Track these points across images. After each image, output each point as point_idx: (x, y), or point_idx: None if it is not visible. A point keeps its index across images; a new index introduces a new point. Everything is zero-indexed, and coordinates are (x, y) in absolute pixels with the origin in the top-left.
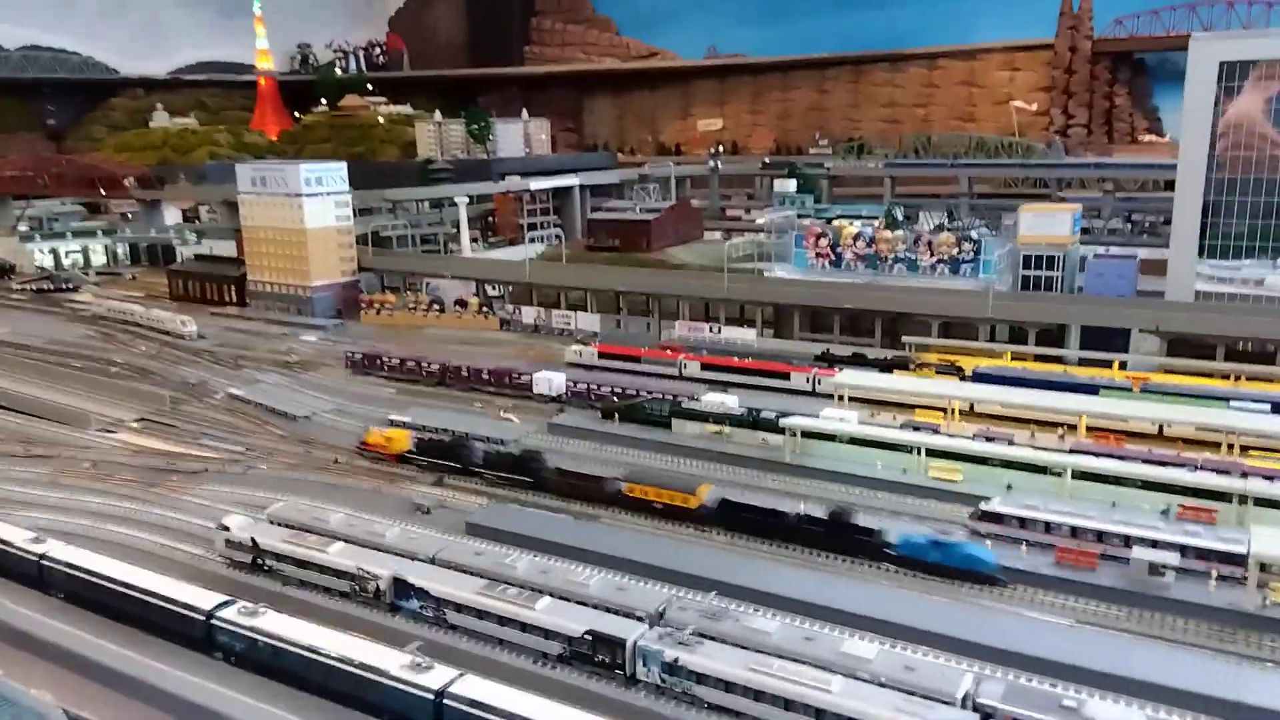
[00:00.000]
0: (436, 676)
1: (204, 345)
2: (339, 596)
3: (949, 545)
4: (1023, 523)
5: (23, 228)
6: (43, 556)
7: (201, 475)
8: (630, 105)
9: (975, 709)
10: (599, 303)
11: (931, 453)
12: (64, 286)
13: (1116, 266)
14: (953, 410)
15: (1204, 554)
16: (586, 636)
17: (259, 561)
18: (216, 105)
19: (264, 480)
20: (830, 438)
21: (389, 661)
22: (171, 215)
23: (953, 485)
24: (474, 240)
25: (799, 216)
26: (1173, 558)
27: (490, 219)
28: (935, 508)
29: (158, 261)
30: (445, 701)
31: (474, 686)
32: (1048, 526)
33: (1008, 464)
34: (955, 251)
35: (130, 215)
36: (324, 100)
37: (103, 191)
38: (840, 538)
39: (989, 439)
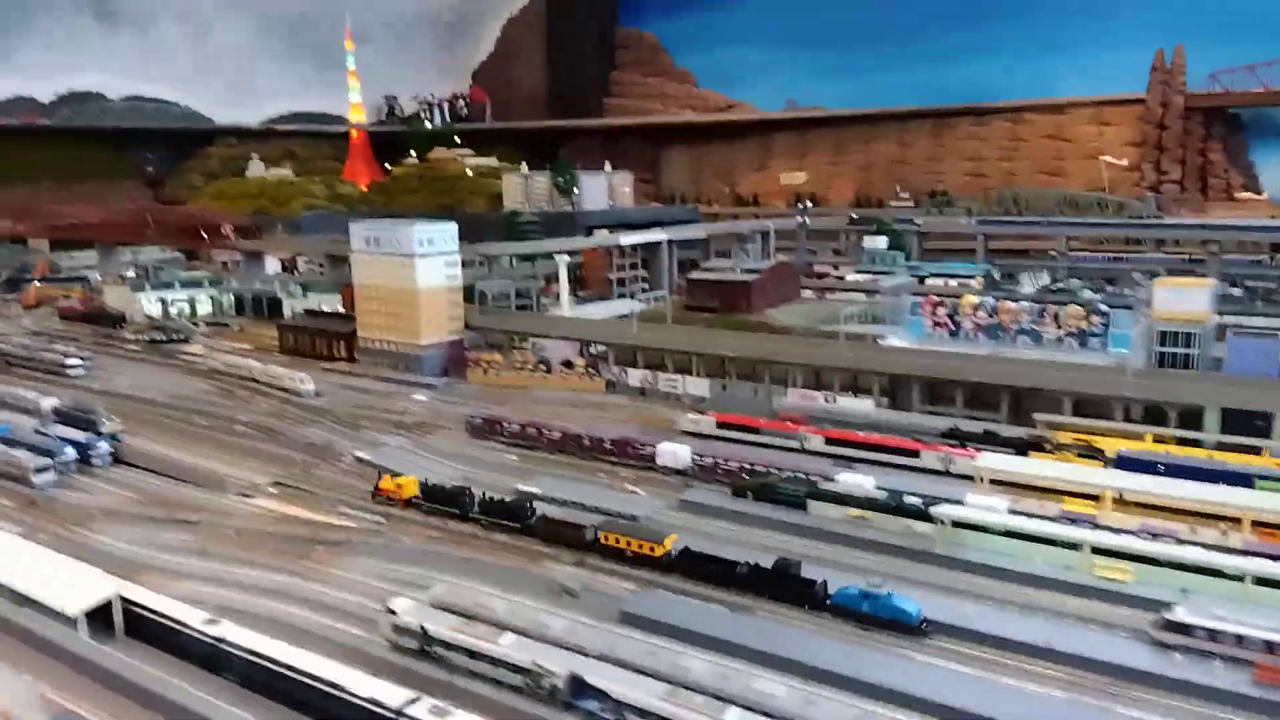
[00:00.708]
0: None
1: (321, 404)
2: (509, 690)
3: (877, 597)
4: (1213, 635)
5: (130, 275)
6: (220, 640)
7: (345, 546)
8: (707, 157)
9: None
10: (706, 366)
11: (1098, 550)
12: (175, 337)
13: (1259, 345)
14: (1105, 500)
15: None
16: None
17: (426, 649)
18: (306, 155)
19: (408, 554)
20: (983, 529)
21: None
22: (271, 266)
23: (1121, 586)
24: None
25: (890, 274)
26: None
27: (578, 272)
28: (1103, 610)
29: (262, 313)
30: None
31: None
32: (1240, 640)
33: (1182, 566)
34: (1084, 324)
35: (231, 265)
36: (413, 151)
37: (205, 239)
38: (784, 588)
39: (1154, 535)
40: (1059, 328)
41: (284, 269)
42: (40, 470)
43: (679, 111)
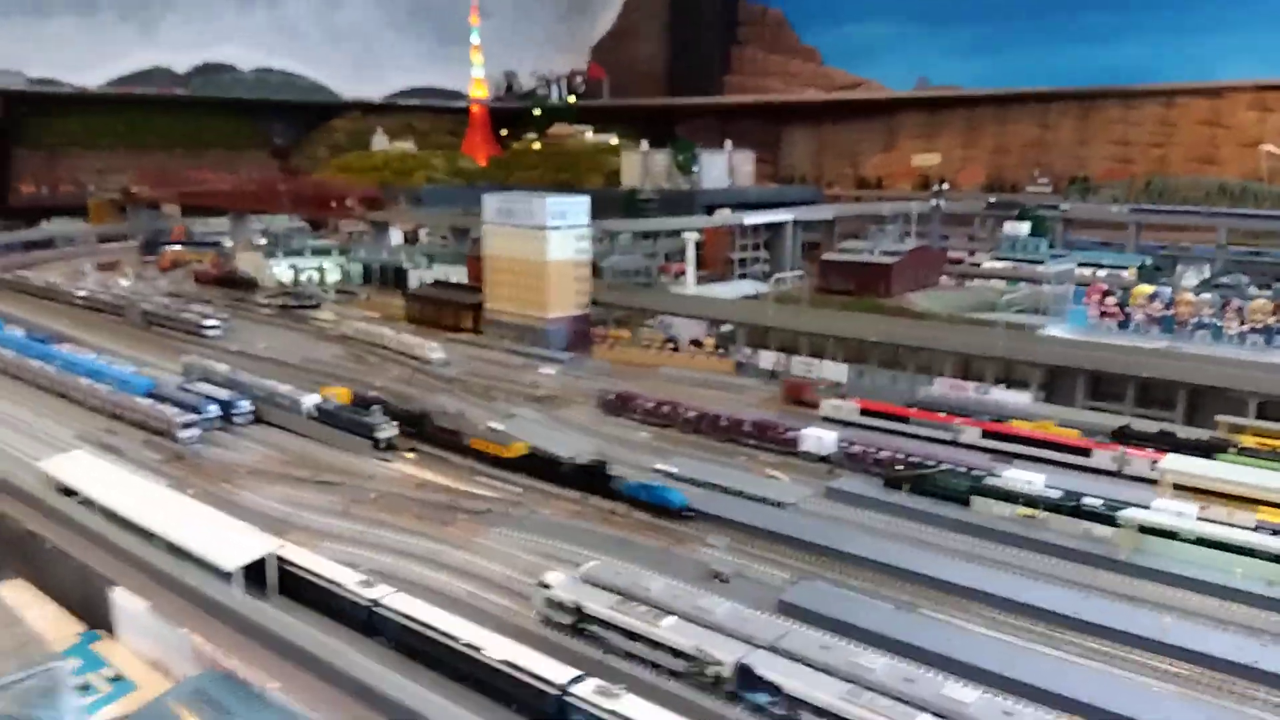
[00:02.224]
0: None
1: (451, 373)
2: (668, 674)
3: (651, 488)
4: None
5: (262, 242)
6: (375, 603)
7: (487, 516)
8: (829, 137)
9: None
10: (843, 351)
11: None
12: (305, 303)
13: None
14: None
15: None
16: None
17: (580, 626)
18: (425, 129)
19: (550, 527)
20: (1172, 535)
21: None
22: (396, 237)
23: None
24: (680, 274)
25: (1036, 262)
26: None
27: (699, 252)
28: None
29: (388, 282)
30: None
31: None
32: None
33: None
34: (1272, 320)
35: (357, 235)
36: (534, 127)
37: (333, 209)
38: (594, 482)
39: None
40: (1243, 323)
41: (406, 240)
42: (186, 426)
43: (801, 90)
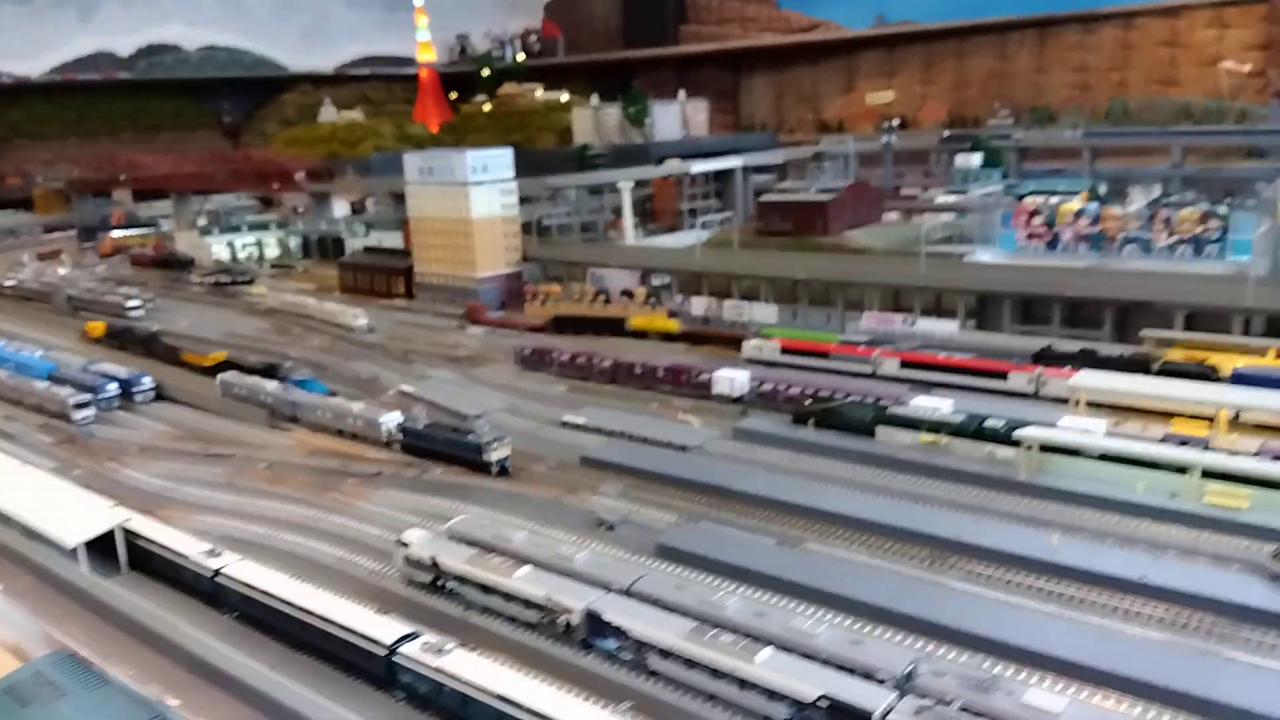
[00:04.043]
0: None
1: (375, 339)
2: (525, 628)
3: (301, 381)
4: None
5: (201, 222)
6: (217, 572)
7: (376, 480)
8: (789, 82)
9: None
10: (775, 292)
11: (1209, 474)
12: (239, 279)
13: None
14: (1220, 420)
15: None
16: (820, 704)
17: (439, 583)
18: (380, 98)
19: (440, 486)
20: (1075, 452)
21: None
22: (340, 208)
23: (1235, 514)
24: (634, 227)
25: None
26: None
27: (648, 205)
28: (1213, 541)
29: (328, 254)
30: None
31: None
32: None
33: None
34: (1199, 230)
35: (301, 209)
36: (483, 89)
37: (276, 186)
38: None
39: (1276, 458)
40: (1171, 235)
41: (354, 211)
42: (80, 406)
43: (759, 35)
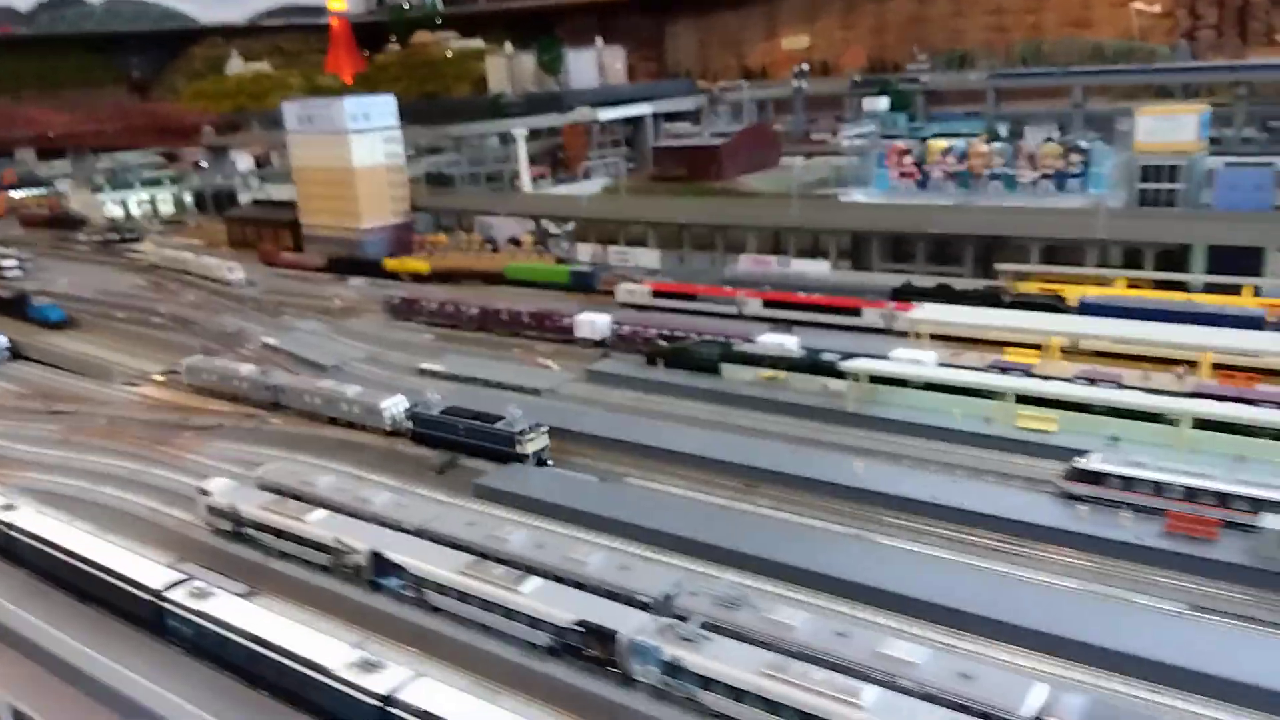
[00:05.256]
0: (386, 679)
1: (251, 293)
2: (320, 571)
3: (38, 308)
4: (1127, 483)
5: (97, 180)
6: (9, 526)
7: (214, 431)
8: (714, 29)
9: None
10: (661, 238)
11: (1023, 399)
12: (127, 237)
13: (1251, 176)
14: (1051, 348)
15: None
16: (578, 627)
17: (240, 530)
18: (295, 49)
19: (277, 437)
20: (901, 382)
21: (334, 659)
22: (244, 162)
23: (1046, 437)
24: (542, 176)
25: (887, 136)
26: None
27: (559, 154)
28: (1022, 464)
29: (222, 208)
30: (391, 709)
31: (427, 692)
32: (1158, 488)
33: (1113, 411)
34: (1061, 164)
35: (202, 164)
36: (396, 39)
37: (187, 139)
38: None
39: (1092, 381)
40: (1035, 170)
41: (258, 165)
42: None
43: None
